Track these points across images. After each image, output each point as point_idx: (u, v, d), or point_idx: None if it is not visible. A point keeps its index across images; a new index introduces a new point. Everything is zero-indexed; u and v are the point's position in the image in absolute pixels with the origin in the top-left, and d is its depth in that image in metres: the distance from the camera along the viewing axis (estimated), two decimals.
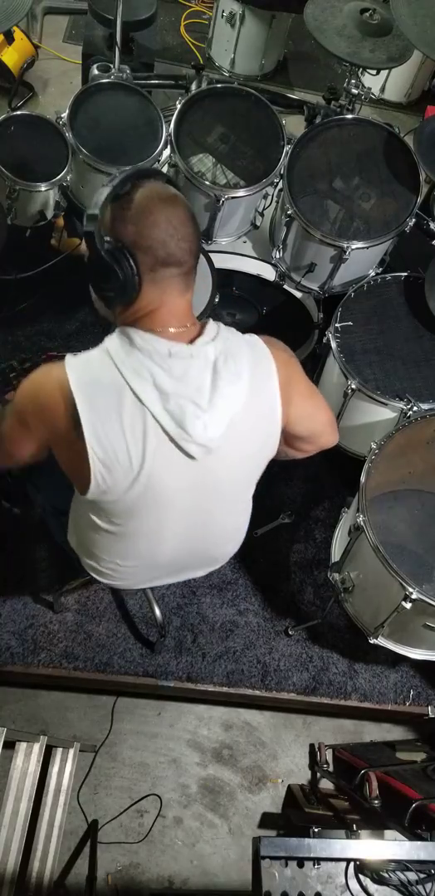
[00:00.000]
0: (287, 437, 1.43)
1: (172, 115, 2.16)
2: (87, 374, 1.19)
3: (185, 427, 1.20)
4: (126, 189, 1.19)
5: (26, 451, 1.34)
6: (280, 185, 2.20)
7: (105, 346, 1.22)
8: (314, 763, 2.21)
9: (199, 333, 1.25)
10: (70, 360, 1.20)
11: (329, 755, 2.22)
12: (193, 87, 2.33)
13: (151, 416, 1.19)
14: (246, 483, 1.43)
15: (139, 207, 1.18)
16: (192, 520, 1.40)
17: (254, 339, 1.31)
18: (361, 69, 2.39)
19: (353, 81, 2.37)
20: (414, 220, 2.13)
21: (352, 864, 1.25)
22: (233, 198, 2.11)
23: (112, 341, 1.22)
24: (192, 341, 1.24)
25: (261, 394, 1.28)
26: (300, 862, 1.23)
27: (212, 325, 1.27)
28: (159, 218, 1.17)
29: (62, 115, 2.13)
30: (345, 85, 2.39)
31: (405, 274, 2.26)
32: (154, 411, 1.18)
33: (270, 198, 2.24)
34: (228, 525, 1.54)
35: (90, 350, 1.23)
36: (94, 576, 1.57)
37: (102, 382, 1.19)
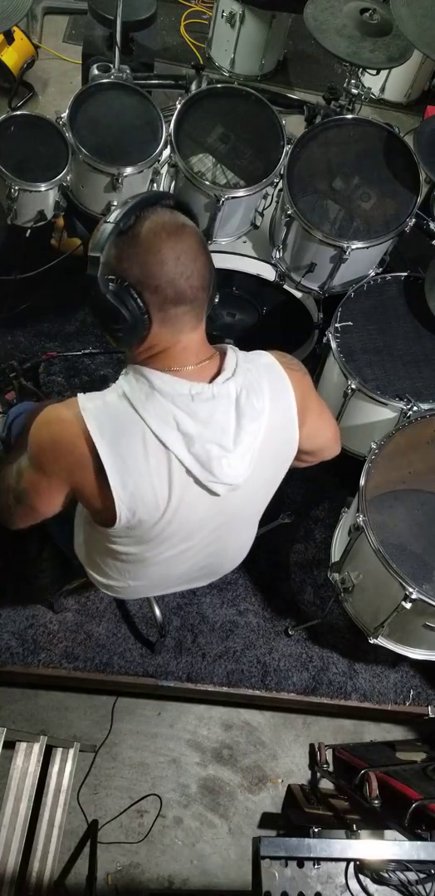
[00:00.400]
0: None
1: (172, 115, 2.16)
2: (106, 419, 1.14)
3: (211, 470, 1.18)
4: (130, 223, 1.12)
5: (53, 502, 1.26)
6: (280, 185, 2.20)
7: (121, 388, 1.17)
8: (314, 763, 2.21)
9: (219, 370, 1.21)
10: (85, 403, 1.15)
11: (329, 755, 2.22)
12: (193, 87, 2.34)
13: (177, 459, 1.16)
14: (263, 504, 1.45)
15: (145, 244, 1.11)
16: (211, 547, 1.41)
17: (271, 364, 1.28)
18: (360, 69, 2.39)
19: (353, 81, 2.37)
20: (414, 220, 2.13)
21: (352, 864, 1.25)
22: (233, 198, 2.10)
23: (129, 384, 1.18)
24: (212, 379, 1.20)
25: (281, 421, 1.27)
26: (300, 862, 1.23)
27: (230, 357, 1.23)
28: (167, 256, 1.11)
29: (62, 115, 2.13)
30: (345, 85, 2.39)
31: (405, 274, 2.26)
32: (179, 455, 1.16)
33: (270, 198, 2.24)
34: (243, 544, 1.56)
35: (103, 392, 1.18)
36: (101, 589, 1.57)
37: (124, 428, 1.14)
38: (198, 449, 1.16)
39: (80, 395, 1.17)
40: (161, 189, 2.25)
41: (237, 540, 1.51)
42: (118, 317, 1.13)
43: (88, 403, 1.15)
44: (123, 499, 1.17)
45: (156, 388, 1.15)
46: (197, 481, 1.20)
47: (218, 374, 1.21)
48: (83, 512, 1.49)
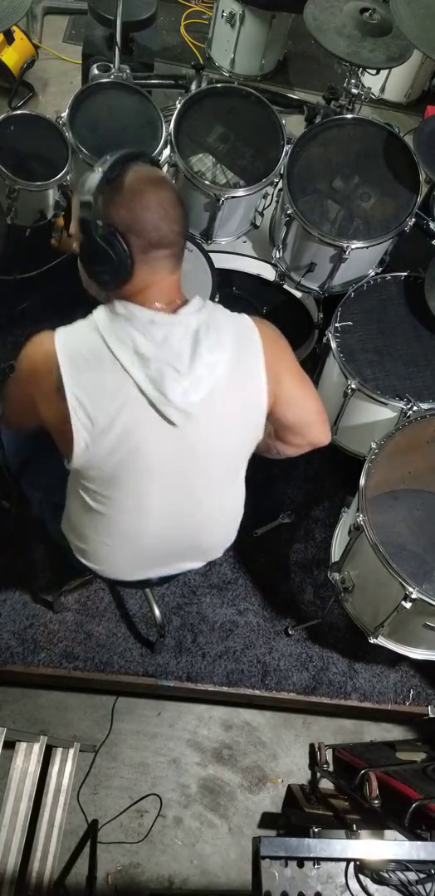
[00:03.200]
0: (277, 427, 1.43)
1: (172, 114, 2.16)
2: (72, 340, 1.25)
3: (164, 391, 1.22)
4: (115, 173, 1.21)
5: (25, 416, 1.38)
6: (280, 185, 2.20)
7: (93, 315, 1.27)
8: (314, 763, 2.21)
9: (184, 304, 1.28)
10: (60, 329, 1.26)
11: (329, 755, 2.22)
12: (193, 86, 2.33)
13: (133, 381, 1.22)
14: (230, 458, 1.41)
15: (130, 191, 1.20)
16: (176, 494, 1.39)
17: (241, 316, 1.34)
18: (360, 69, 2.38)
19: (353, 81, 2.37)
20: (414, 219, 2.13)
21: (352, 864, 1.25)
22: (233, 197, 2.10)
23: (99, 312, 1.27)
24: (175, 311, 1.27)
25: (245, 367, 1.30)
26: (300, 862, 1.23)
27: (198, 299, 1.30)
28: (151, 201, 1.21)
29: (62, 115, 2.13)
30: (345, 85, 2.39)
31: (405, 274, 2.26)
32: (135, 376, 1.22)
33: (269, 197, 2.24)
34: (214, 505, 1.49)
35: (79, 322, 1.28)
36: (83, 560, 1.56)
37: (86, 348, 1.24)
38: (152, 370, 1.22)
39: (60, 329, 1.27)
40: None
41: (207, 500, 1.45)
42: (105, 258, 1.21)
43: (62, 329, 1.26)
44: (80, 417, 1.22)
45: (119, 313, 1.24)
46: (151, 404, 1.24)
47: (182, 307, 1.27)
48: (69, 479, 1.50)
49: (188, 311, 1.27)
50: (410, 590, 1.63)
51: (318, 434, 1.49)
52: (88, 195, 1.21)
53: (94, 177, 1.21)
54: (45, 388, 1.25)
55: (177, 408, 1.24)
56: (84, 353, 1.23)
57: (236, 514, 1.56)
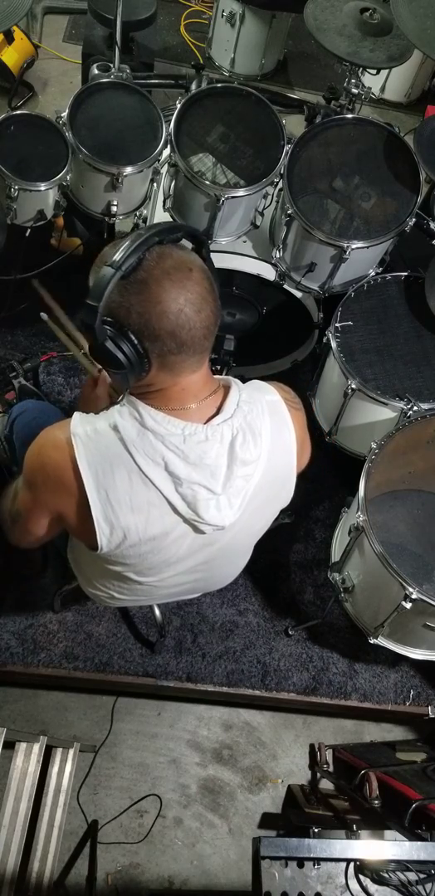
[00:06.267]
0: None
1: (172, 114, 2.15)
2: (94, 449, 1.13)
3: (197, 511, 1.17)
4: (131, 266, 1.04)
5: (42, 525, 1.28)
6: (280, 185, 2.20)
7: (114, 420, 1.15)
8: (314, 763, 2.20)
9: (219, 409, 1.18)
10: (76, 428, 1.14)
11: (329, 755, 2.22)
12: (193, 86, 2.33)
13: (164, 498, 1.16)
14: (254, 539, 1.44)
15: (146, 293, 1.05)
16: (198, 574, 1.41)
17: (275, 402, 1.25)
18: (361, 69, 2.38)
19: (353, 81, 2.37)
20: (414, 219, 2.13)
21: (352, 864, 1.25)
22: (233, 197, 2.10)
23: (122, 417, 1.15)
24: (209, 419, 1.17)
25: (278, 466, 1.25)
26: (300, 862, 1.23)
27: (232, 397, 1.19)
28: (169, 307, 1.05)
29: (62, 115, 2.13)
30: (345, 84, 2.39)
31: (405, 274, 2.26)
32: (167, 496, 1.15)
33: (270, 197, 2.24)
34: (234, 571, 1.57)
35: (97, 418, 1.17)
36: (89, 591, 1.57)
37: (111, 461, 1.13)
38: (185, 489, 1.15)
39: (75, 418, 1.15)
40: (161, 189, 2.25)
41: (226, 569, 1.52)
42: (115, 362, 1.08)
43: (79, 428, 1.14)
44: (105, 531, 1.17)
45: (148, 426, 1.13)
46: (184, 520, 1.19)
47: (217, 413, 1.18)
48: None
49: (223, 419, 1.16)
50: (410, 590, 1.63)
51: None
52: (95, 298, 1.04)
53: (106, 275, 1.04)
54: (66, 500, 1.17)
55: (210, 524, 1.19)
56: (109, 468, 1.13)
57: (246, 560, 1.58)
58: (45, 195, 2.16)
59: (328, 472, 2.49)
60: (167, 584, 1.39)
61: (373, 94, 2.56)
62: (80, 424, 1.15)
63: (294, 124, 2.51)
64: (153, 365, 1.10)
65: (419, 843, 1.29)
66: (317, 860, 1.24)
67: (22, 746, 1.80)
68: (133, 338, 1.07)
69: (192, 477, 1.14)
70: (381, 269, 2.27)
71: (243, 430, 1.17)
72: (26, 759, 1.79)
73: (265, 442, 1.20)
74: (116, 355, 1.07)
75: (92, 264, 1.20)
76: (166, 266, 1.06)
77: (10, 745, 1.75)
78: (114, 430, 1.14)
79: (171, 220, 2.26)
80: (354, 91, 2.37)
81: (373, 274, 2.26)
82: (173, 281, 1.05)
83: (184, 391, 1.15)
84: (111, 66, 2.38)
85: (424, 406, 2.01)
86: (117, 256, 1.03)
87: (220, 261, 2.20)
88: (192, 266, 1.09)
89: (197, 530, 1.21)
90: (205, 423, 1.16)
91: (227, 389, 1.21)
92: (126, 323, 1.06)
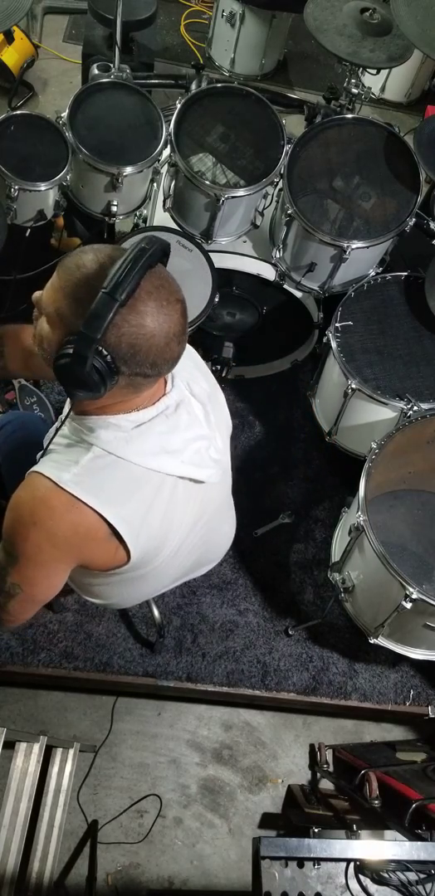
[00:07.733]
0: None
1: (172, 114, 2.15)
2: (93, 481, 1.10)
3: (205, 464, 1.23)
4: (126, 294, 0.98)
5: (55, 584, 1.22)
6: (280, 185, 2.20)
7: (90, 446, 1.12)
8: (314, 763, 2.20)
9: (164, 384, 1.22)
10: (61, 475, 1.08)
11: (329, 755, 2.21)
12: (193, 86, 2.33)
13: (170, 476, 1.19)
14: (231, 478, 1.49)
15: (139, 326, 1.02)
16: (200, 543, 1.43)
17: (191, 352, 1.32)
18: (361, 69, 2.38)
19: (353, 81, 2.37)
20: (414, 219, 2.13)
21: (352, 864, 1.25)
22: (233, 197, 2.10)
23: (98, 438, 1.12)
24: (167, 392, 1.20)
25: (219, 399, 1.36)
26: (300, 862, 1.23)
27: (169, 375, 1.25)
28: (160, 340, 1.04)
29: (62, 115, 2.13)
30: (345, 84, 2.39)
31: (405, 274, 2.26)
32: (172, 472, 1.18)
33: (270, 197, 2.24)
34: (227, 531, 1.60)
35: (67, 461, 1.11)
36: (89, 598, 1.55)
37: (114, 479, 1.12)
38: (189, 455, 1.19)
39: (47, 472, 1.09)
40: (161, 189, 2.25)
41: (221, 530, 1.56)
42: (88, 384, 1.03)
43: (65, 475, 1.08)
44: (137, 546, 1.17)
45: (129, 430, 1.13)
46: (191, 480, 1.23)
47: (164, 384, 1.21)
48: None
49: (172, 382, 1.20)
50: (411, 590, 1.63)
51: None
52: (91, 328, 0.98)
53: (105, 306, 0.97)
54: (85, 543, 1.13)
55: (214, 465, 1.26)
56: (116, 486, 1.12)
57: (234, 518, 1.63)
58: (45, 195, 2.16)
59: (328, 472, 2.49)
60: (172, 567, 1.39)
61: (373, 94, 2.57)
62: (58, 472, 1.09)
63: (294, 124, 2.51)
64: (118, 385, 1.07)
65: (419, 843, 1.29)
66: (317, 860, 1.24)
67: (22, 746, 1.80)
68: (113, 364, 1.03)
69: (187, 438, 1.19)
70: (381, 269, 2.27)
71: (186, 379, 1.24)
72: (26, 759, 1.79)
73: (201, 375, 1.30)
74: (93, 379, 1.02)
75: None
76: (161, 297, 1.03)
77: (10, 745, 1.75)
78: (100, 451, 1.12)
79: (170, 220, 2.27)
80: (354, 91, 2.38)
81: (373, 274, 2.26)
82: (167, 314, 1.04)
83: (142, 398, 1.15)
84: (111, 66, 2.38)
85: (424, 406, 2.01)
86: (113, 282, 0.97)
87: (220, 261, 2.20)
88: (179, 297, 1.07)
89: (197, 481, 1.24)
90: (163, 396, 1.19)
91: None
92: (111, 349, 1.02)
